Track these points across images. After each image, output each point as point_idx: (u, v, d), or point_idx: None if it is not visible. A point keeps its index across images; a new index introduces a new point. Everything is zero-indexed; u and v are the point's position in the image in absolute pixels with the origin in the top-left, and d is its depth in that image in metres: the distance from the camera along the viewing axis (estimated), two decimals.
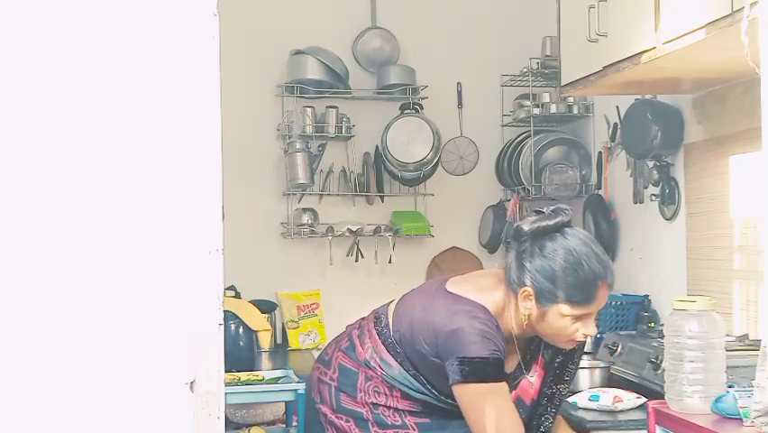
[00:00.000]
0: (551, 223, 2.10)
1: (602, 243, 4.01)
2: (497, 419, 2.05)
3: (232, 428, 3.33)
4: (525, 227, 2.11)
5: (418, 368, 2.19)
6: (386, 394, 2.22)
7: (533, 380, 2.24)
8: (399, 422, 2.21)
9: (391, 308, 2.30)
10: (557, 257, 2.07)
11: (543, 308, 2.09)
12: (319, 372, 2.32)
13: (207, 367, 1.42)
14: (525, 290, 2.10)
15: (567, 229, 2.11)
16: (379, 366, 2.22)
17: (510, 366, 2.19)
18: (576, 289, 2.06)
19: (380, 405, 2.21)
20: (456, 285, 2.20)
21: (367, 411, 2.22)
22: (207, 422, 1.42)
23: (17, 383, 1.37)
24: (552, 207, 2.13)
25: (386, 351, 2.23)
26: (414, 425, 2.20)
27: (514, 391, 2.20)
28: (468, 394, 2.08)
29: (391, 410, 2.21)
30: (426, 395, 2.21)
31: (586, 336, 2.13)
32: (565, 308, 2.08)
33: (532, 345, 2.24)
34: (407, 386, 2.21)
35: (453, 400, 2.13)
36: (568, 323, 2.09)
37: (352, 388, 2.24)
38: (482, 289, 2.18)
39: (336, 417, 2.24)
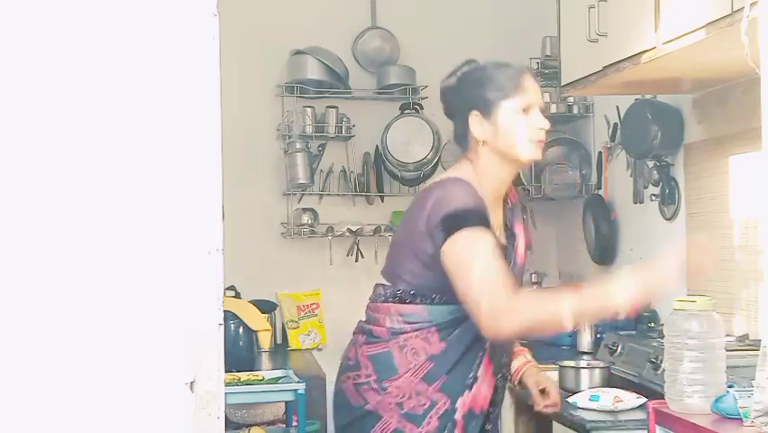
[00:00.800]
0: (461, 69, 2.37)
1: (602, 243, 4.09)
2: (481, 271, 2.11)
3: (232, 428, 3.33)
4: (443, 84, 2.38)
5: (439, 288, 2.21)
6: (424, 349, 2.22)
7: (521, 245, 2.37)
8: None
9: (382, 280, 2.34)
10: (482, 76, 2.32)
11: (491, 118, 2.26)
12: (352, 379, 2.28)
13: (207, 367, 1.42)
14: (473, 115, 2.27)
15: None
16: (406, 324, 2.23)
17: (500, 240, 2.28)
18: (506, 84, 2.27)
19: (419, 366, 2.21)
20: (426, 185, 2.34)
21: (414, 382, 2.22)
22: (207, 422, 1.42)
23: (18, 383, 1.37)
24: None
25: (402, 305, 2.24)
26: None
27: (512, 264, 2.31)
28: (452, 248, 2.14)
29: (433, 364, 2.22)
30: (459, 310, 2.19)
31: (543, 130, 2.26)
32: (507, 104, 2.25)
33: (511, 215, 2.37)
34: (440, 317, 2.21)
35: None
36: (519, 120, 2.25)
37: (391, 370, 2.22)
38: (451, 171, 2.32)
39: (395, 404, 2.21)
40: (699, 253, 2.14)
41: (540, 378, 2.50)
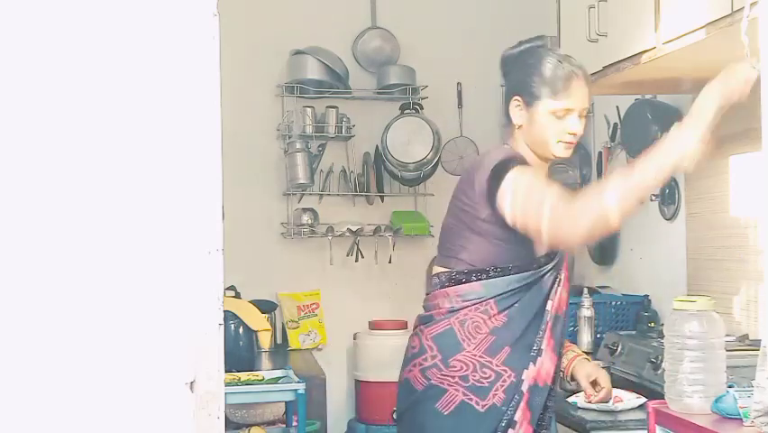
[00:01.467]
0: (527, 44, 2.38)
1: (602, 243, 4.08)
2: (539, 195, 2.16)
3: (232, 428, 3.33)
4: (506, 52, 2.40)
5: (495, 259, 2.26)
6: (485, 321, 2.25)
7: None
8: None
9: (437, 270, 2.36)
10: (535, 64, 2.32)
11: (530, 109, 2.30)
12: (418, 366, 2.30)
13: (207, 367, 1.42)
14: (515, 100, 2.33)
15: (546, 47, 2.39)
16: (466, 301, 2.26)
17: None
18: (553, 83, 2.28)
19: (487, 336, 2.24)
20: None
21: (479, 357, 2.24)
22: (207, 422, 1.42)
23: (17, 383, 1.37)
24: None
25: (460, 286, 2.28)
26: None
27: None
28: (506, 189, 2.19)
29: (497, 338, 2.25)
30: (517, 281, 2.25)
31: (574, 135, 2.29)
32: (547, 103, 2.28)
33: None
34: (497, 289, 2.25)
35: (539, 260, 2.27)
36: (554, 121, 2.28)
37: (456, 346, 2.25)
38: (496, 148, 2.39)
39: (455, 388, 2.23)
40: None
41: (590, 370, 2.48)
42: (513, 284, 2.26)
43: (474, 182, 2.26)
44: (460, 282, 2.29)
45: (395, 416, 2.42)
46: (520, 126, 2.33)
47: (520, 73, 2.34)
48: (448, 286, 2.31)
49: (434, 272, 2.39)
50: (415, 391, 2.29)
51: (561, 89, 2.27)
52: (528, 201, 2.17)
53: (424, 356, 2.30)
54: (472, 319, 2.26)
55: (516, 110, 2.33)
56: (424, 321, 2.36)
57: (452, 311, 2.28)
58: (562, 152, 2.32)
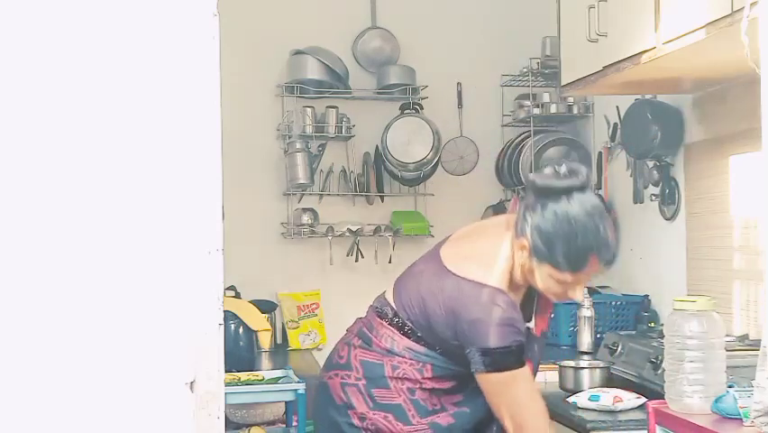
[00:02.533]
0: (558, 185, 2.07)
1: None
2: (519, 407, 2.13)
3: (232, 428, 3.33)
4: (537, 181, 2.12)
5: (444, 349, 2.19)
6: (417, 377, 2.19)
7: (542, 313, 2.32)
8: (438, 406, 2.21)
9: (389, 297, 2.28)
10: (554, 221, 2.06)
11: (533, 263, 2.12)
12: (340, 377, 2.25)
13: (207, 367, 1.42)
14: (521, 241, 2.11)
15: (577, 194, 2.07)
16: (404, 350, 2.20)
17: (527, 315, 2.23)
18: (565, 257, 2.07)
19: (416, 389, 2.19)
20: (458, 264, 2.18)
21: (404, 400, 2.19)
22: (207, 422, 1.42)
23: (17, 383, 1.37)
24: (568, 168, 2.09)
25: (406, 338, 2.21)
26: (450, 405, 2.22)
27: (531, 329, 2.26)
28: (490, 383, 2.12)
29: (427, 393, 2.20)
30: (457, 366, 2.18)
31: (571, 297, 2.18)
32: (552, 272, 2.10)
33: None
34: (438, 365, 2.20)
35: None
36: (553, 284, 2.13)
37: (382, 380, 2.20)
38: (488, 262, 2.16)
39: (374, 414, 2.19)
40: None
41: None
42: (454, 367, 2.20)
43: (453, 322, 2.13)
44: (408, 336, 2.21)
45: (310, 412, 2.35)
46: (521, 265, 2.14)
47: (534, 216, 2.09)
48: (396, 330, 2.23)
49: (387, 295, 2.29)
50: (336, 406, 2.24)
51: (570, 267, 2.08)
52: (520, 422, 2.13)
53: (347, 372, 2.24)
54: (403, 369, 2.20)
55: (521, 252, 2.12)
56: (361, 338, 2.28)
57: (390, 353, 2.21)
58: (554, 300, 2.23)
